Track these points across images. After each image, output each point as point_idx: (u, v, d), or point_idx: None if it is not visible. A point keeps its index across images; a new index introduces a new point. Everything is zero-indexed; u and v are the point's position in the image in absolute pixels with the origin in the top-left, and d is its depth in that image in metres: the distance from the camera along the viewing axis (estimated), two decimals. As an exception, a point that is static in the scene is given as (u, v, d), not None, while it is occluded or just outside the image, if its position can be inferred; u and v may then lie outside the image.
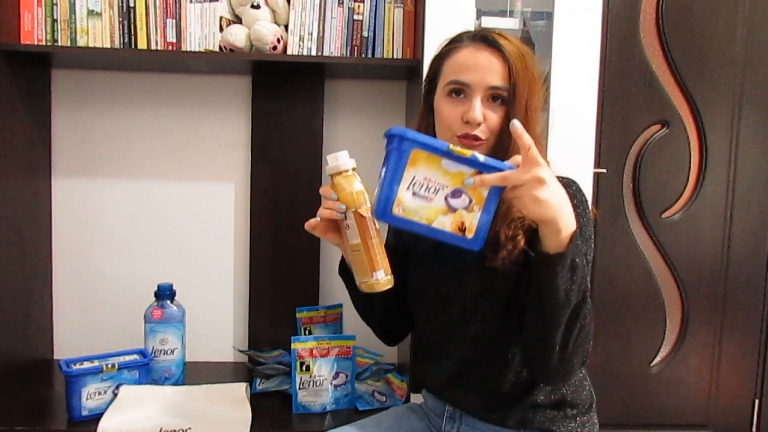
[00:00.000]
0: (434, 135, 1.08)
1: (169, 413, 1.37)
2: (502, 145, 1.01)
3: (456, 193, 0.85)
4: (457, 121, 1.02)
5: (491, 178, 0.85)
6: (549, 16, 1.49)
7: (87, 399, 1.37)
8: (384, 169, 0.88)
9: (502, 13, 1.58)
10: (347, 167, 0.98)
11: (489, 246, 0.93)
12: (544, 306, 0.90)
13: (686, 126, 1.76)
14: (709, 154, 1.77)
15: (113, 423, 1.33)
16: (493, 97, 1.02)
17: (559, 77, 1.46)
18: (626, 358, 1.80)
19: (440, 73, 1.07)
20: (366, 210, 0.94)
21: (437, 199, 0.86)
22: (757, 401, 1.84)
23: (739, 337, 1.82)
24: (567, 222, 0.86)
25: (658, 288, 1.80)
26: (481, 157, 0.85)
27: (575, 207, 0.93)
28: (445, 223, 0.86)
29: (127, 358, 1.45)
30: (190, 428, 1.31)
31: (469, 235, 0.87)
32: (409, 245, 1.16)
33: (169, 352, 1.53)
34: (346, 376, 1.47)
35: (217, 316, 1.81)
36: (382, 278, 0.95)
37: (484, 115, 1.01)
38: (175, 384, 1.53)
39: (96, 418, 1.34)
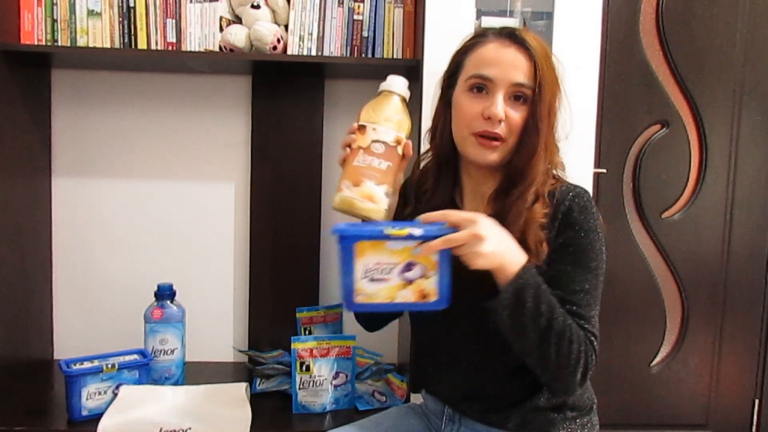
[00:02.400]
0: (450, 132, 1.06)
1: (169, 413, 1.37)
2: (524, 147, 1.00)
3: (408, 267, 0.90)
4: (477, 117, 1.00)
5: (434, 244, 0.88)
6: (549, 16, 1.49)
7: (87, 399, 1.37)
8: (340, 263, 0.91)
9: (502, 13, 1.58)
10: (392, 90, 1.00)
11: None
12: (506, 334, 0.95)
13: (686, 126, 1.76)
14: (709, 154, 1.77)
15: (113, 423, 1.33)
16: (516, 95, 1.00)
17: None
18: (626, 358, 1.80)
19: (462, 68, 1.05)
20: (378, 134, 0.97)
21: (393, 277, 0.90)
22: (757, 401, 1.84)
23: (739, 337, 1.82)
24: (512, 263, 0.91)
25: (658, 288, 1.80)
26: (418, 231, 0.88)
27: (577, 225, 0.98)
28: (407, 296, 0.90)
29: (127, 358, 1.45)
30: (190, 428, 1.31)
31: (433, 298, 0.91)
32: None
33: (169, 352, 1.53)
34: (346, 376, 1.47)
35: (217, 316, 1.81)
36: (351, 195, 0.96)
37: (505, 113, 0.99)
38: (175, 384, 1.53)
39: (96, 418, 1.34)
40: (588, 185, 1.50)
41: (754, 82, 1.75)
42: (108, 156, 1.76)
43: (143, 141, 1.76)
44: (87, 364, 1.40)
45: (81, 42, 1.57)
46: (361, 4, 1.59)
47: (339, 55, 1.60)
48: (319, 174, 1.76)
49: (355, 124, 1.00)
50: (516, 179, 1.01)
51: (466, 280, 0.94)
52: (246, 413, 1.38)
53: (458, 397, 1.13)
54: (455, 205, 1.12)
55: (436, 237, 0.88)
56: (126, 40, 1.57)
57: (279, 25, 1.60)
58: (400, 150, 0.97)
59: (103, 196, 1.77)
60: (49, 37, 1.57)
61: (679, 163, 1.77)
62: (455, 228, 0.89)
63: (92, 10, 1.57)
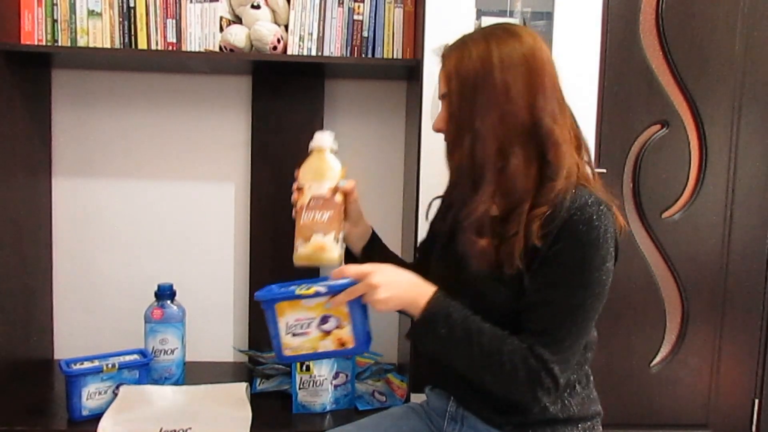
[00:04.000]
0: None
1: (169, 413, 1.37)
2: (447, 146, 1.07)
3: (324, 320, 1.00)
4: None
5: (339, 298, 0.99)
6: (549, 16, 1.49)
7: (87, 399, 1.37)
8: (267, 324, 1.03)
9: (502, 13, 1.58)
10: (318, 146, 1.12)
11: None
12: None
13: (686, 126, 1.76)
14: (709, 154, 1.77)
15: (113, 423, 1.33)
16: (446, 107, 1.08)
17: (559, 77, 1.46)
18: (626, 358, 1.80)
19: None
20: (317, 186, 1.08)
21: (312, 330, 1.01)
22: (757, 401, 1.84)
23: (739, 337, 1.82)
24: (415, 302, 0.99)
25: (658, 288, 1.80)
26: (323, 289, 0.98)
27: (571, 238, 0.96)
28: (328, 345, 1.02)
29: (127, 358, 1.45)
30: (190, 428, 1.31)
31: (350, 345, 1.02)
32: (435, 234, 1.19)
33: (169, 352, 1.53)
34: (346, 376, 1.47)
35: (217, 316, 1.81)
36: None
37: (443, 120, 1.08)
38: (175, 384, 1.53)
39: (96, 418, 1.34)
40: (588, 185, 1.50)
41: (754, 82, 1.75)
42: (108, 156, 1.76)
43: (143, 141, 1.77)
44: (87, 364, 1.40)
45: (81, 42, 1.57)
46: (361, 4, 1.59)
47: (339, 55, 1.60)
48: (319, 174, 1.76)
49: (295, 185, 1.12)
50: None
51: (469, 279, 1.03)
52: (246, 413, 1.38)
53: (464, 388, 1.12)
54: None
55: (341, 291, 0.98)
56: (126, 40, 1.58)
57: (279, 25, 1.60)
58: (338, 196, 1.08)
59: (103, 196, 1.77)
60: (49, 37, 1.57)
61: (679, 163, 1.77)
62: (357, 281, 0.98)
63: (92, 11, 1.57)
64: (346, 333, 1.01)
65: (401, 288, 1.00)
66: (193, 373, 1.63)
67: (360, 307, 1.00)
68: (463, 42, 1.06)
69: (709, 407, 1.84)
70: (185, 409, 1.39)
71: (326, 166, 1.09)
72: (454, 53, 1.05)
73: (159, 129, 1.77)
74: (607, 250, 0.98)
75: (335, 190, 1.08)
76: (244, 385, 1.50)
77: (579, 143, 1.08)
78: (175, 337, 1.54)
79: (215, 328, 1.81)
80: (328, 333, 1.02)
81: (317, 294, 0.99)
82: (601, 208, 0.99)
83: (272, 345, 1.04)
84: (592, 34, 1.47)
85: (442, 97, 1.08)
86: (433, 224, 1.24)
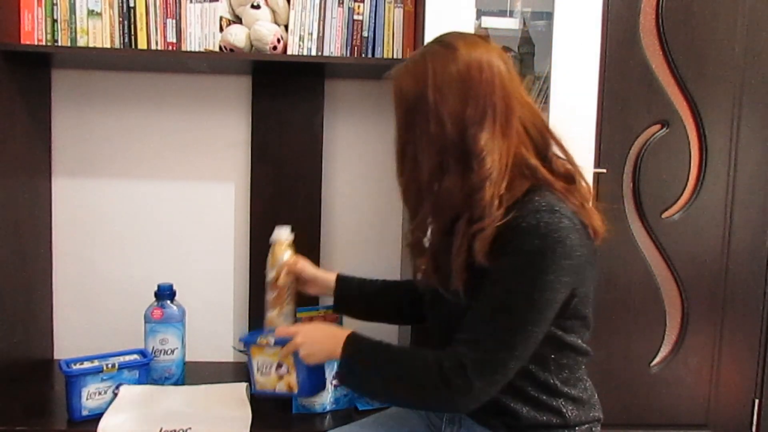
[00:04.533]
0: None
1: (169, 413, 1.37)
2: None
3: (279, 365, 1.22)
4: None
5: (282, 351, 1.17)
6: (549, 16, 1.49)
7: (87, 399, 1.37)
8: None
9: (502, 13, 1.58)
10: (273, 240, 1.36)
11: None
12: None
13: (686, 126, 1.76)
14: (709, 154, 1.77)
15: (113, 423, 1.33)
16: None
17: (559, 77, 1.46)
18: (626, 358, 1.80)
19: None
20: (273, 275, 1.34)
21: (272, 372, 1.23)
22: (757, 401, 1.84)
23: (739, 337, 1.82)
24: (334, 353, 1.08)
25: (658, 288, 1.80)
26: (272, 341, 1.20)
27: (508, 248, 0.95)
28: (282, 387, 1.23)
29: (127, 358, 1.45)
30: (190, 428, 1.31)
31: (296, 390, 1.22)
32: None
33: (169, 352, 1.53)
34: (346, 376, 1.47)
35: (217, 316, 1.81)
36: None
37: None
38: (175, 384, 1.53)
39: (96, 418, 1.34)
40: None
41: (754, 82, 1.75)
42: (108, 156, 1.76)
43: (143, 141, 1.76)
44: (87, 364, 1.40)
45: (81, 42, 1.57)
46: (361, 4, 1.59)
47: (339, 55, 1.60)
48: (319, 174, 1.76)
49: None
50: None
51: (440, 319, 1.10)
52: (246, 413, 1.38)
53: None
54: None
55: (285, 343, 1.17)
56: (126, 40, 1.57)
57: (279, 25, 1.60)
58: (281, 281, 1.33)
59: (103, 196, 1.77)
60: (49, 37, 1.57)
61: (679, 163, 1.77)
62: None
63: (92, 10, 1.57)
64: (293, 379, 1.22)
65: (319, 343, 1.12)
66: (193, 373, 1.63)
67: (301, 360, 1.18)
68: (406, 64, 1.05)
69: (709, 407, 1.84)
70: (185, 409, 1.39)
71: (275, 259, 1.35)
72: (396, 76, 1.05)
73: (159, 129, 1.77)
74: (554, 259, 0.94)
75: (278, 276, 1.33)
76: (244, 385, 1.50)
77: (545, 144, 1.05)
78: (175, 337, 1.53)
79: (215, 328, 1.81)
80: (281, 377, 1.24)
81: (268, 344, 1.21)
82: (555, 214, 0.95)
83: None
84: (592, 34, 1.47)
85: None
86: None
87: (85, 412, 1.37)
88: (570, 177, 1.05)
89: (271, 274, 1.34)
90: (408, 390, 1.02)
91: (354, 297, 1.33)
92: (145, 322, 1.53)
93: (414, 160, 1.03)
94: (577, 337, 1.06)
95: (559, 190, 1.01)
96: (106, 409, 1.36)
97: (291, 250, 1.36)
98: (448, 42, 1.02)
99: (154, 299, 1.55)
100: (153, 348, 1.52)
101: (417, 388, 1.00)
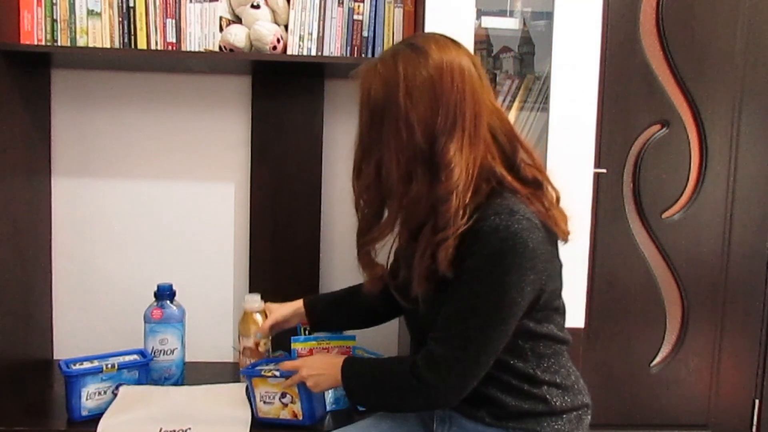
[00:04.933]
0: None
1: (169, 413, 1.37)
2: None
3: (284, 395, 1.33)
4: None
5: (287, 382, 1.27)
6: (549, 16, 1.49)
7: (87, 399, 1.37)
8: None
9: (502, 13, 1.58)
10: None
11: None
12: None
13: (686, 126, 1.76)
14: (709, 154, 1.77)
15: (113, 423, 1.32)
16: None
17: (559, 77, 1.46)
18: (626, 358, 1.80)
19: None
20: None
21: (276, 401, 1.34)
22: (757, 401, 1.84)
23: (739, 338, 1.82)
24: (336, 382, 1.16)
25: (658, 288, 1.80)
26: (278, 373, 1.29)
27: (472, 253, 0.96)
28: (286, 414, 1.35)
29: (127, 358, 1.45)
30: (190, 428, 1.31)
31: (300, 417, 1.34)
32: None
33: (168, 352, 1.53)
34: (346, 377, 1.47)
35: (217, 316, 1.81)
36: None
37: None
38: (175, 384, 1.53)
39: (96, 418, 1.34)
40: (588, 185, 1.50)
41: (754, 82, 1.75)
42: (108, 156, 1.76)
43: (143, 141, 1.76)
44: (87, 364, 1.40)
45: (81, 42, 1.57)
46: (361, 4, 1.59)
47: (339, 55, 1.60)
48: (319, 174, 1.76)
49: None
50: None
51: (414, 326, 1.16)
52: (246, 413, 1.38)
53: None
54: None
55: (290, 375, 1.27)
56: (126, 40, 1.57)
57: (279, 25, 1.60)
58: (262, 347, 1.49)
59: (103, 196, 1.77)
60: (48, 37, 1.57)
61: (679, 163, 1.77)
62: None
63: (92, 10, 1.57)
64: (297, 408, 1.33)
65: (324, 373, 1.19)
66: (193, 373, 1.62)
67: (306, 390, 1.26)
68: (374, 65, 1.03)
69: (709, 407, 1.84)
70: (185, 409, 1.39)
71: (248, 328, 1.49)
72: (364, 76, 1.04)
73: (159, 129, 1.77)
74: (515, 259, 0.96)
75: (257, 343, 1.48)
76: (243, 385, 1.50)
77: (513, 150, 1.05)
78: (174, 338, 1.53)
79: (215, 328, 1.81)
80: (285, 405, 1.34)
81: (273, 376, 1.31)
82: (514, 216, 0.96)
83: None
84: (592, 34, 1.47)
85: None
86: None
87: (84, 413, 1.37)
88: (537, 183, 1.06)
89: (247, 343, 1.49)
90: (391, 395, 1.08)
91: (326, 315, 1.40)
92: (145, 323, 1.53)
93: (377, 166, 1.03)
94: (552, 327, 1.08)
95: (525, 195, 1.02)
96: (106, 409, 1.36)
97: (263, 316, 1.49)
98: (418, 45, 1.01)
99: (153, 299, 1.54)
100: (153, 348, 1.52)
101: (397, 392, 1.06)
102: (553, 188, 1.09)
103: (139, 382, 1.43)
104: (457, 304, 1.00)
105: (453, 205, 0.98)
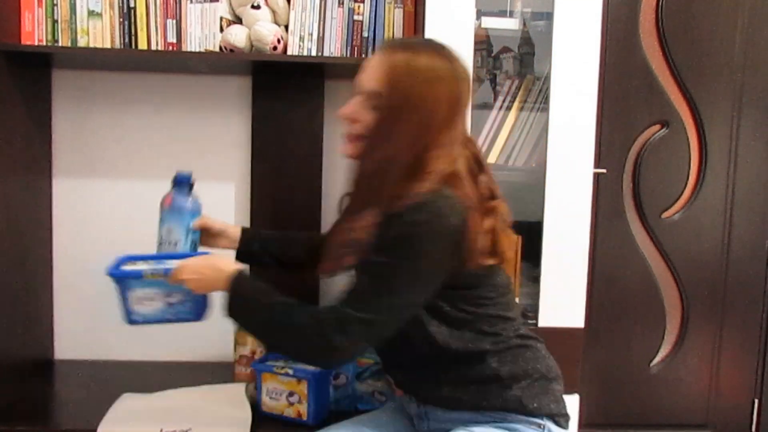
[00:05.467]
0: None
1: (170, 414, 1.37)
2: (371, 150, 1.08)
3: (291, 394, 1.35)
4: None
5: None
6: (549, 16, 1.49)
7: (136, 304, 1.27)
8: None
9: (502, 13, 1.58)
10: None
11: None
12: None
13: (686, 126, 1.76)
14: (709, 154, 1.77)
15: (113, 424, 1.33)
16: (371, 103, 1.07)
17: (559, 77, 1.47)
18: (626, 358, 1.80)
19: None
20: None
21: (282, 399, 1.36)
22: (757, 401, 1.84)
23: (739, 337, 1.82)
24: (216, 284, 1.15)
25: (658, 288, 1.80)
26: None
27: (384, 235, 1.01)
28: (291, 413, 1.35)
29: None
30: (190, 429, 1.31)
31: (305, 418, 1.35)
32: None
33: (173, 243, 1.39)
34: (347, 378, 1.47)
35: (217, 316, 1.81)
36: None
37: (358, 115, 1.08)
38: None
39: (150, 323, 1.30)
40: (588, 185, 1.50)
41: (754, 82, 1.75)
42: (108, 156, 1.76)
43: (143, 141, 1.77)
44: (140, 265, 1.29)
45: (81, 42, 1.57)
46: (361, 5, 1.59)
47: (339, 55, 1.60)
48: (319, 174, 1.76)
49: None
50: (355, 182, 1.11)
51: None
52: (246, 413, 1.38)
53: (420, 385, 1.15)
54: None
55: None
56: (126, 40, 1.58)
57: (279, 25, 1.60)
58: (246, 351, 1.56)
59: (103, 196, 1.77)
60: (49, 37, 1.57)
61: (679, 163, 1.77)
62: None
63: (93, 11, 1.57)
64: (303, 408, 1.35)
65: (203, 275, 1.17)
66: (193, 373, 1.63)
67: (314, 391, 1.33)
68: (410, 46, 1.08)
69: (709, 407, 1.84)
70: (185, 410, 1.39)
71: (245, 336, 1.53)
72: (400, 54, 1.06)
73: (159, 129, 1.77)
74: (432, 232, 1.01)
75: (253, 351, 1.52)
76: (244, 385, 1.50)
77: (480, 169, 1.11)
78: (179, 230, 1.38)
79: (215, 328, 1.80)
80: (291, 404, 1.36)
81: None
82: (445, 199, 1.02)
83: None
84: (592, 34, 1.47)
85: (367, 92, 1.08)
86: None
87: (135, 317, 1.28)
88: (492, 198, 1.10)
89: (243, 351, 1.53)
90: (286, 337, 1.08)
91: (256, 248, 1.39)
92: (160, 211, 1.41)
93: (389, 152, 1.05)
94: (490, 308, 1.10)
95: (473, 202, 1.05)
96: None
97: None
98: (433, 43, 1.11)
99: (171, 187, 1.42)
100: (161, 237, 1.40)
101: (296, 337, 1.07)
102: (505, 210, 1.12)
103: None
104: (372, 268, 1.03)
105: (412, 195, 1.02)
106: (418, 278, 1.03)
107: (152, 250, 1.78)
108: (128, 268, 1.25)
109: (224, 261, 1.19)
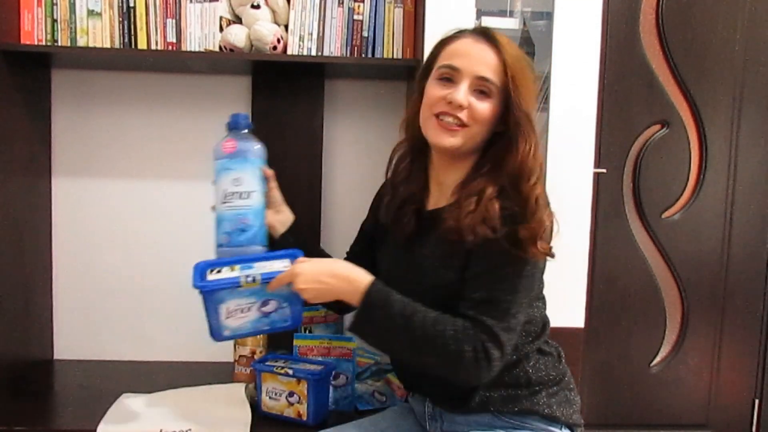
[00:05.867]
0: (418, 119, 1.11)
1: (169, 414, 1.37)
2: (501, 139, 1.05)
3: (291, 394, 1.30)
4: (440, 101, 1.05)
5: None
6: (549, 16, 1.49)
7: (227, 318, 1.12)
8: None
9: (502, 13, 1.58)
10: None
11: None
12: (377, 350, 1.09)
13: (686, 126, 1.76)
14: (709, 154, 1.77)
15: (113, 425, 1.33)
16: (481, 90, 1.04)
17: (559, 77, 1.46)
18: (626, 358, 1.80)
19: (436, 59, 1.10)
20: None
21: (282, 399, 1.32)
22: (757, 401, 1.84)
23: (739, 337, 1.82)
24: (347, 291, 1.04)
25: (658, 288, 1.80)
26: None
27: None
28: (291, 413, 1.32)
29: (276, 265, 1.12)
30: (190, 429, 1.31)
31: (304, 418, 1.32)
32: (384, 226, 1.20)
33: (244, 195, 1.18)
34: (347, 378, 1.47)
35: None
36: None
37: (469, 103, 1.03)
38: (252, 240, 1.20)
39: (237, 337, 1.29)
40: (588, 185, 1.50)
41: (754, 82, 1.75)
42: (108, 156, 1.76)
43: (143, 141, 1.76)
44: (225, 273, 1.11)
45: (81, 42, 1.57)
46: (361, 4, 1.59)
47: (339, 55, 1.60)
48: (319, 174, 1.76)
49: None
50: (496, 172, 1.05)
51: (405, 272, 1.10)
52: (246, 413, 1.38)
53: (434, 388, 1.14)
54: (424, 194, 1.15)
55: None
56: (126, 40, 1.58)
57: (279, 25, 1.60)
58: (246, 351, 1.51)
59: (103, 196, 1.77)
60: (49, 37, 1.57)
61: (679, 163, 1.77)
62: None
63: (92, 10, 1.57)
64: (303, 408, 1.32)
65: (325, 284, 1.05)
66: (193, 373, 1.63)
67: (314, 389, 1.24)
68: (503, 36, 1.07)
69: (709, 407, 1.84)
70: (185, 410, 1.39)
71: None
72: (507, 45, 1.06)
73: (159, 129, 1.77)
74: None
75: (253, 351, 1.47)
76: (243, 385, 1.50)
77: None
78: (252, 177, 1.19)
79: (215, 328, 1.81)
80: (291, 404, 1.31)
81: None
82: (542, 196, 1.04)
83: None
84: (592, 34, 1.47)
85: (485, 83, 1.04)
86: (377, 214, 1.25)
87: (226, 333, 1.14)
88: None
89: (242, 351, 1.49)
90: (435, 355, 1.00)
91: (291, 242, 1.25)
92: (215, 159, 1.22)
93: (533, 139, 1.05)
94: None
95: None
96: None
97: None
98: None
99: (227, 132, 1.25)
100: (224, 192, 1.19)
101: (450, 360, 0.99)
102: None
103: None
104: (500, 267, 1.01)
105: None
106: (533, 275, 1.03)
107: (153, 250, 1.80)
108: (213, 277, 1.09)
109: (347, 266, 1.08)
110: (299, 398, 1.34)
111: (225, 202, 1.17)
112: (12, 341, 1.58)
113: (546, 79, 1.50)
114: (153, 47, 1.58)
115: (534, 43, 1.62)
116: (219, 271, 1.09)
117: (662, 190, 1.77)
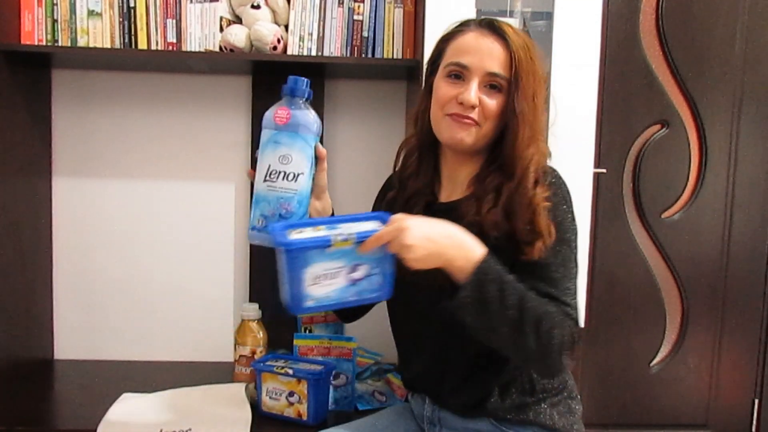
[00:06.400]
0: (429, 117, 1.10)
1: (170, 414, 1.37)
2: (509, 134, 1.04)
3: (291, 394, 1.24)
4: (452, 101, 1.04)
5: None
6: (549, 16, 1.49)
7: (312, 284, 0.94)
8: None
9: (502, 13, 1.58)
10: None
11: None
12: (473, 332, 0.96)
13: (686, 126, 1.76)
14: (709, 154, 1.77)
15: (113, 426, 1.33)
16: (491, 84, 1.04)
17: (559, 77, 1.46)
18: (626, 358, 1.80)
19: (443, 55, 1.09)
20: None
21: (282, 399, 1.27)
22: (757, 401, 1.84)
23: (739, 337, 1.82)
24: (461, 258, 0.91)
25: (658, 288, 1.80)
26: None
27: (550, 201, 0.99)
28: (291, 413, 1.28)
29: (367, 226, 0.97)
30: (190, 429, 1.31)
31: (305, 418, 1.32)
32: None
33: (291, 177, 1.00)
34: (347, 378, 1.47)
35: (217, 316, 1.81)
36: None
37: (480, 100, 1.03)
38: (292, 225, 1.00)
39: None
40: (588, 185, 1.50)
41: (754, 82, 1.75)
42: (108, 156, 1.76)
43: (143, 141, 1.77)
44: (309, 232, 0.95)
45: (81, 42, 1.57)
46: (361, 4, 1.59)
47: (339, 55, 1.60)
48: (319, 174, 1.75)
49: None
50: (504, 166, 1.04)
51: (424, 272, 0.95)
52: (246, 413, 1.38)
53: (421, 386, 1.15)
54: (435, 187, 1.15)
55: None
56: (126, 40, 1.58)
57: (279, 25, 1.60)
58: (246, 351, 1.52)
59: (103, 196, 1.77)
60: (49, 37, 1.57)
61: (679, 163, 1.77)
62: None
63: (92, 11, 1.57)
64: (303, 408, 1.30)
65: (437, 244, 0.91)
66: (193, 373, 1.63)
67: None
68: (508, 25, 1.06)
69: (709, 407, 1.84)
70: (185, 410, 1.39)
71: (245, 336, 1.52)
72: (514, 35, 1.05)
73: (159, 129, 1.77)
74: (570, 206, 1.06)
75: (253, 351, 1.49)
76: (243, 385, 1.50)
77: None
78: (302, 157, 1.00)
79: (215, 328, 1.81)
80: (291, 404, 1.28)
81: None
82: (556, 171, 1.10)
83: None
84: (592, 34, 1.47)
85: (495, 78, 1.03)
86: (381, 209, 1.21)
87: (309, 303, 0.94)
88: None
89: (243, 351, 1.50)
90: (540, 337, 0.92)
91: None
92: (263, 128, 1.04)
93: (537, 133, 1.08)
94: None
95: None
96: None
97: (259, 325, 1.52)
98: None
99: (282, 98, 1.07)
100: (269, 168, 1.00)
101: (546, 343, 0.92)
102: None
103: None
104: (551, 259, 1.01)
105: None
106: (576, 253, 1.05)
107: (153, 250, 1.80)
108: (296, 237, 0.91)
109: (461, 230, 0.94)
110: (299, 398, 1.34)
111: (267, 180, 0.99)
112: (12, 341, 1.58)
113: (546, 79, 1.50)
114: (153, 47, 1.58)
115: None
116: (301, 232, 0.93)
117: (662, 190, 1.77)
